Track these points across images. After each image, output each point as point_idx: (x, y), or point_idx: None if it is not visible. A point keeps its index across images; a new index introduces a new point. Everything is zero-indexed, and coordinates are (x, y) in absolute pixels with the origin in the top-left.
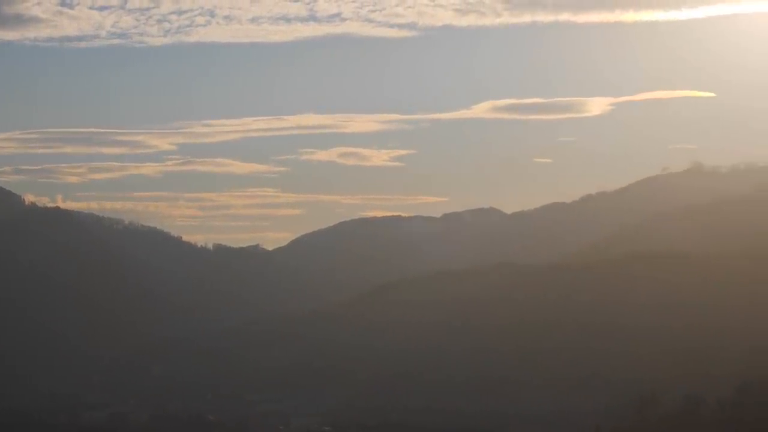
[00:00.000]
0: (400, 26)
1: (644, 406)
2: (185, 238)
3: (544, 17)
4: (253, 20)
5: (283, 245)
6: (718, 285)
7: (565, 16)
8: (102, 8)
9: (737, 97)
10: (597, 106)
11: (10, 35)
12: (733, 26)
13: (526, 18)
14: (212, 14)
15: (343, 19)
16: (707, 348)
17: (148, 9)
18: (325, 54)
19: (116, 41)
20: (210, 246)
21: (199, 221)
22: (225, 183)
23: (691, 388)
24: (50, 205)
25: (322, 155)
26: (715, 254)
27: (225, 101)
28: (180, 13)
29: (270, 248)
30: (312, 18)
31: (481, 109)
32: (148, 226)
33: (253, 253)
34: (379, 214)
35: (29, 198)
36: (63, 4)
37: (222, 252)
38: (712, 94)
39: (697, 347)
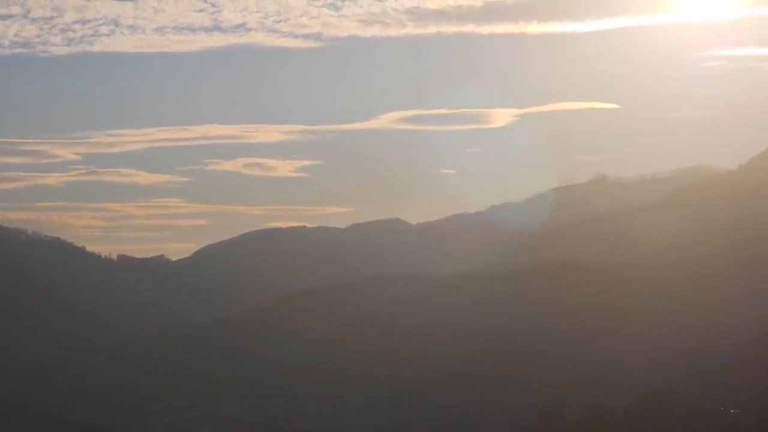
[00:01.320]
0: (305, 37)
1: (550, 414)
2: (89, 248)
3: (448, 28)
4: (158, 30)
5: (187, 256)
6: (623, 295)
7: (469, 28)
8: (4, 17)
9: (641, 109)
10: (501, 117)
11: None
12: (636, 38)
13: (431, 29)
14: (116, 24)
15: (248, 30)
16: (612, 357)
17: (51, 18)
18: (229, 64)
19: (19, 50)
20: (114, 257)
21: (104, 232)
22: (129, 193)
23: (596, 396)
24: None
25: (226, 165)
26: (619, 264)
27: (129, 111)
28: (84, 22)
29: (174, 259)
30: (217, 28)
31: (386, 120)
32: (52, 236)
33: (158, 263)
34: (284, 224)
35: None
36: None
37: (126, 262)
38: (616, 106)
39: (602, 356)
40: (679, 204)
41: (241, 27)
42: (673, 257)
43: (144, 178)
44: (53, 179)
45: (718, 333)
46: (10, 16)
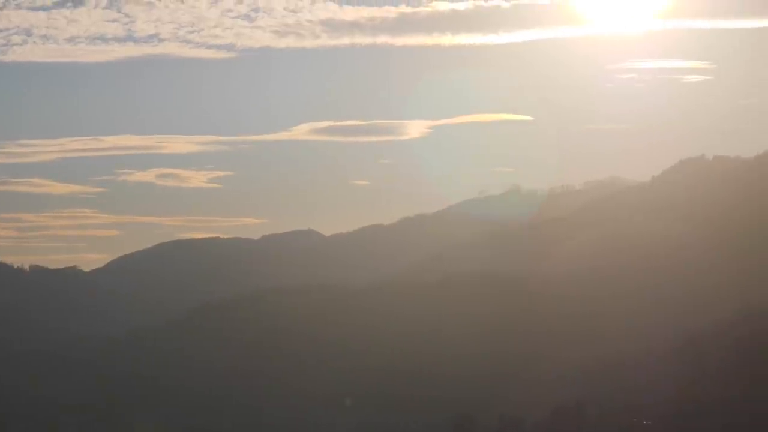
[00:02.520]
0: (219, 47)
1: (460, 426)
2: (1, 258)
3: (362, 40)
4: (70, 40)
5: (100, 266)
6: (535, 306)
7: (383, 39)
8: None
9: (554, 121)
10: (415, 128)
11: None
12: (550, 51)
13: (345, 40)
14: (29, 33)
15: (161, 40)
16: (524, 369)
17: None
18: (143, 74)
19: None
20: (26, 267)
21: (16, 242)
22: (42, 203)
23: (507, 409)
24: None
25: (139, 176)
26: (532, 275)
27: (42, 121)
28: None
29: (87, 270)
30: (130, 38)
31: (299, 131)
32: None
33: (71, 274)
34: (198, 235)
35: None
36: None
37: (39, 273)
38: (530, 118)
39: (513, 368)
40: (591, 216)
41: (155, 37)
42: (585, 268)
43: (56, 188)
44: None
45: (631, 345)
46: None
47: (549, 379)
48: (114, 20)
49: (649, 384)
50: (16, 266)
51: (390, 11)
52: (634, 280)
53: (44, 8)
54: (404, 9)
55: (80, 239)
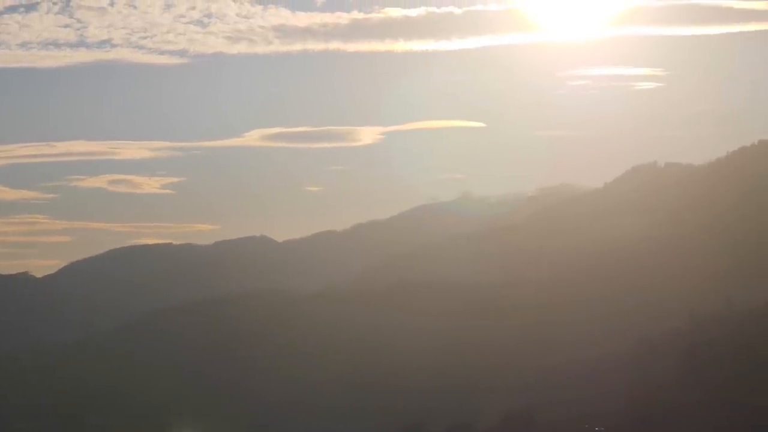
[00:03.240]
0: (171, 53)
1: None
2: None
3: (314, 46)
4: (23, 45)
5: (52, 272)
6: (486, 314)
7: (335, 45)
8: None
9: (506, 128)
10: (368, 135)
11: None
12: (502, 57)
13: (297, 46)
14: None
15: (114, 45)
16: (478, 379)
17: None
18: (95, 80)
19: None
20: None
21: None
22: None
23: (459, 418)
24: None
25: (91, 182)
26: (483, 282)
27: None
28: None
29: (39, 275)
30: (82, 44)
31: (252, 138)
32: None
33: (22, 280)
34: (150, 241)
35: None
36: None
37: None
38: (482, 124)
39: (468, 378)
40: (543, 223)
41: (107, 43)
42: (538, 275)
43: (7, 194)
44: None
45: (584, 353)
46: None
47: (502, 388)
48: (66, 26)
49: (602, 391)
50: None
51: (342, 17)
52: (587, 287)
53: None
54: (356, 15)
55: (32, 245)
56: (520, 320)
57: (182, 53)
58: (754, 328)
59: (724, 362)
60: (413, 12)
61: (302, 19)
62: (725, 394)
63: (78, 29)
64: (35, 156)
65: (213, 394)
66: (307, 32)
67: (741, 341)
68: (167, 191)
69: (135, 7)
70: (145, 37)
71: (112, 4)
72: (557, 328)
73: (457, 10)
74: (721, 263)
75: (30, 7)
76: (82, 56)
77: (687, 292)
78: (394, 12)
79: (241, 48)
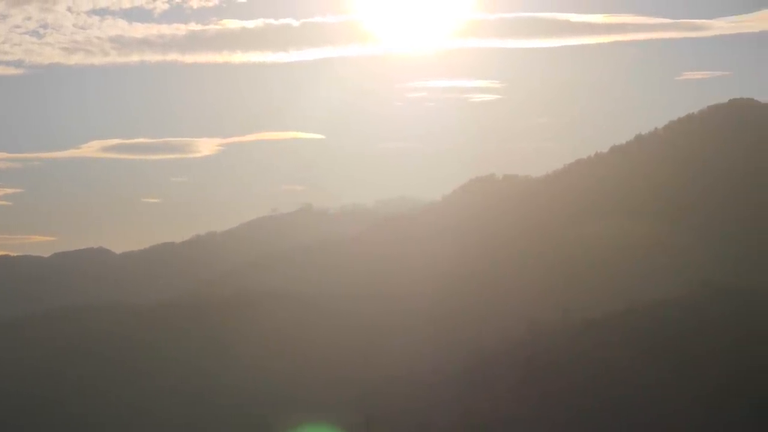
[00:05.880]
0: (7, 64)
1: None
2: None
3: (152, 57)
4: None
5: None
6: (323, 325)
7: (173, 57)
8: None
9: (345, 139)
10: (206, 146)
11: None
12: (340, 69)
13: (135, 57)
14: None
15: None
16: (316, 392)
17: None
18: None
19: None
20: None
21: None
22: None
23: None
24: None
25: None
26: (323, 294)
27: None
28: None
29: None
30: None
31: (89, 149)
32: None
33: None
34: None
35: None
36: None
37: None
38: (321, 136)
39: (305, 387)
40: (382, 234)
41: None
42: (376, 287)
43: None
44: None
45: (420, 365)
46: None
47: (334, 401)
48: None
49: (443, 400)
50: None
51: (180, 29)
52: (424, 299)
53: None
54: (194, 27)
55: None
56: (357, 332)
57: (18, 63)
58: (590, 338)
59: (560, 372)
60: (251, 23)
61: (139, 30)
62: (561, 402)
63: None
64: None
65: (45, 411)
66: (145, 43)
67: (577, 350)
68: (4, 202)
69: None
70: None
71: None
72: (394, 341)
73: (294, 22)
74: (558, 274)
75: None
76: None
77: (525, 303)
78: (232, 24)
79: (78, 59)
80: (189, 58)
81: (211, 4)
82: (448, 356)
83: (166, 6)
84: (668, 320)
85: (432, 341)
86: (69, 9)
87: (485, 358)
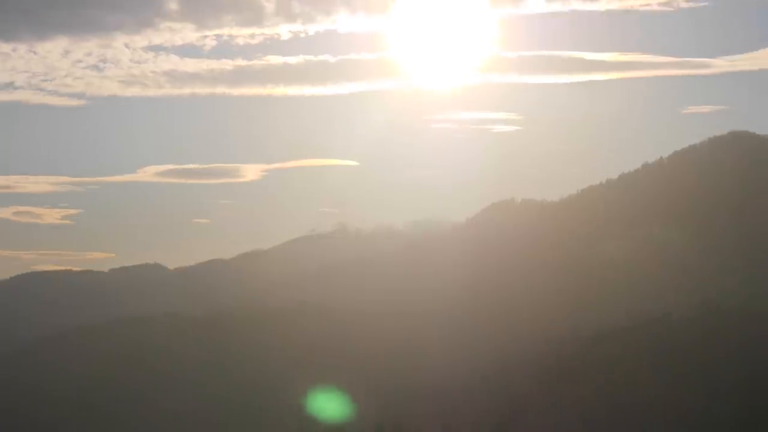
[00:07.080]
0: (70, 95)
1: None
2: None
3: (202, 90)
4: None
5: None
6: (362, 339)
7: (221, 89)
8: None
9: (378, 166)
10: (252, 171)
11: None
12: (373, 101)
13: (186, 90)
14: None
15: (16, 88)
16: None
17: None
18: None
19: None
20: None
21: None
22: None
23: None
24: None
25: None
26: (357, 310)
27: None
28: None
29: None
30: None
31: (144, 174)
32: None
33: None
34: (52, 268)
35: None
36: None
37: None
38: (356, 163)
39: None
40: (412, 253)
41: (10, 85)
42: (405, 302)
43: None
44: None
45: (446, 371)
46: None
47: (374, 403)
48: None
49: (459, 407)
50: None
51: (227, 64)
52: (449, 311)
53: None
54: (240, 62)
55: None
56: (386, 345)
57: (80, 95)
58: (600, 350)
59: (572, 380)
60: (292, 59)
61: (190, 65)
62: (573, 409)
63: None
64: None
65: (109, 416)
66: (195, 77)
67: (588, 361)
68: (68, 222)
69: (35, 53)
70: (46, 80)
71: (14, 50)
72: (420, 351)
73: (332, 58)
74: (571, 291)
75: None
76: None
77: (541, 317)
78: (275, 59)
79: (134, 91)
80: (236, 91)
81: (255, 41)
82: (470, 365)
83: (214, 43)
84: (672, 334)
85: (455, 351)
86: (126, 45)
87: (504, 367)
